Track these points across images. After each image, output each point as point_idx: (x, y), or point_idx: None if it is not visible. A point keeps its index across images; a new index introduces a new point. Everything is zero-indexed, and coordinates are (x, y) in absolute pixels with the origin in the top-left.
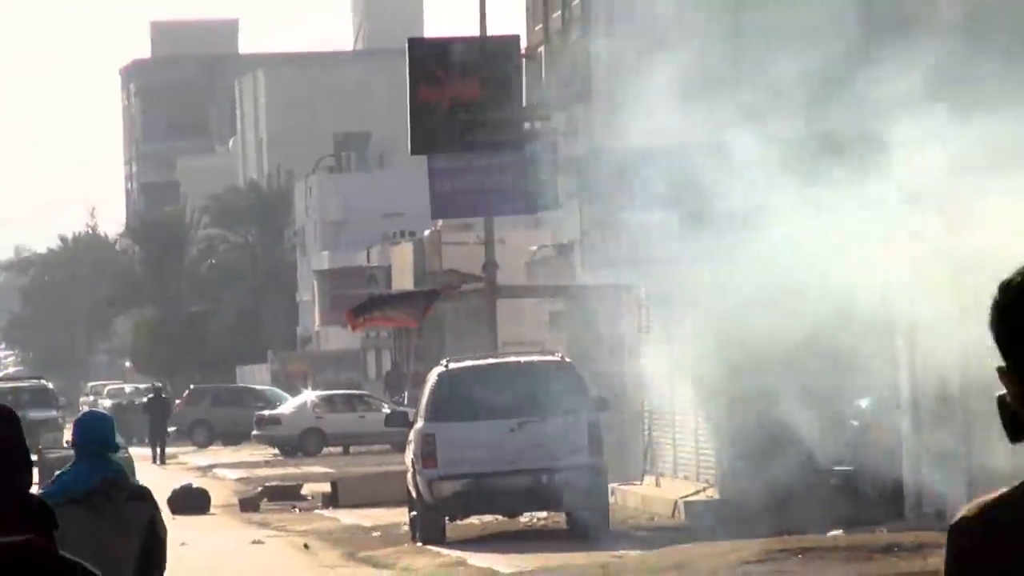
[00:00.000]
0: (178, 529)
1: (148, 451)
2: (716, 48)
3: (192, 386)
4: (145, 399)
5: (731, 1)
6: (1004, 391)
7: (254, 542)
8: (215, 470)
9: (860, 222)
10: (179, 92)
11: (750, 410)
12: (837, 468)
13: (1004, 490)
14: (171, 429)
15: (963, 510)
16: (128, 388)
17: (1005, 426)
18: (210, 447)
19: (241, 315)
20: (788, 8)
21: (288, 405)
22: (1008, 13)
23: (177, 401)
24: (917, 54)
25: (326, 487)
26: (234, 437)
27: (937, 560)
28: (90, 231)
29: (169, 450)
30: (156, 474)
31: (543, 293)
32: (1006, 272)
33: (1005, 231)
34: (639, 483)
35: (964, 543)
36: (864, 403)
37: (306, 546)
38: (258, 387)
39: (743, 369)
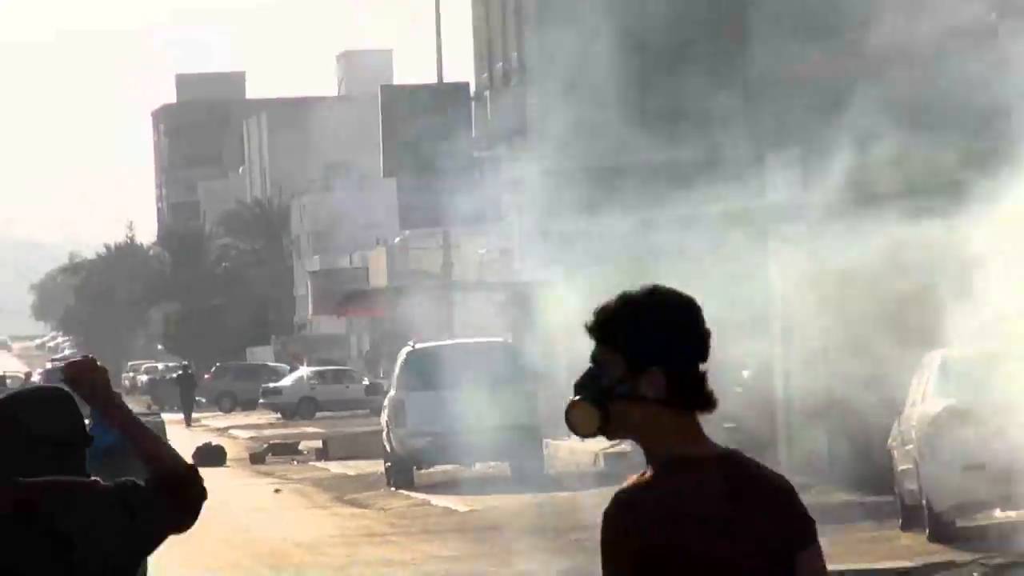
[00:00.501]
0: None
1: (180, 416)
2: (619, 92)
3: (218, 364)
4: (176, 375)
5: (630, 62)
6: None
7: (276, 491)
8: (231, 431)
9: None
10: (199, 130)
11: None
12: (725, 425)
13: (648, 473)
14: (199, 399)
15: (616, 493)
16: (160, 366)
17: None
18: (231, 412)
19: (249, 307)
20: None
21: (288, 378)
22: None
23: (206, 376)
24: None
25: (319, 444)
26: (253, 404)
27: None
28: (129, 241)
29: (196, 415)
30: (184, 435)
31: (491, 287)
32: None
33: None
34: (567, 439)
35: (615, 520)
36: (746, 373)
37: (277, 491)
38: (272, 363)
39: None
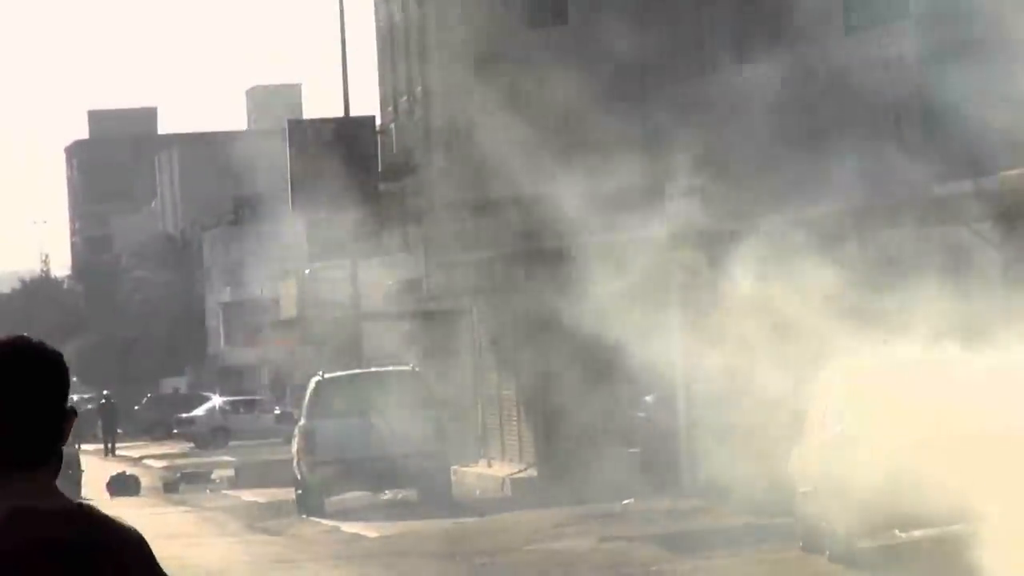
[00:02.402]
0: (115, 509)
1: (99, 445)
2: (525, 122)
3: (149, 394)
4: (100, 403)
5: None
6: None
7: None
8: (145, 460)
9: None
10: (111, 165)
11: (561, 408)
12: (630, 450)
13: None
14: (119, 430)
15: None
16: (75, 397)
17: None
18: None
19: (163, 338)
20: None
21: (201, 408)
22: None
23: (136, 407)
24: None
25: (231, 472)
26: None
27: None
28: (43, 274)
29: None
30: (102, 464)
31: (398, 317)
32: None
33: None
34: (475, 465)
35: None
36: (649, 399)
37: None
38: (205, 393)
39: (556, 378)
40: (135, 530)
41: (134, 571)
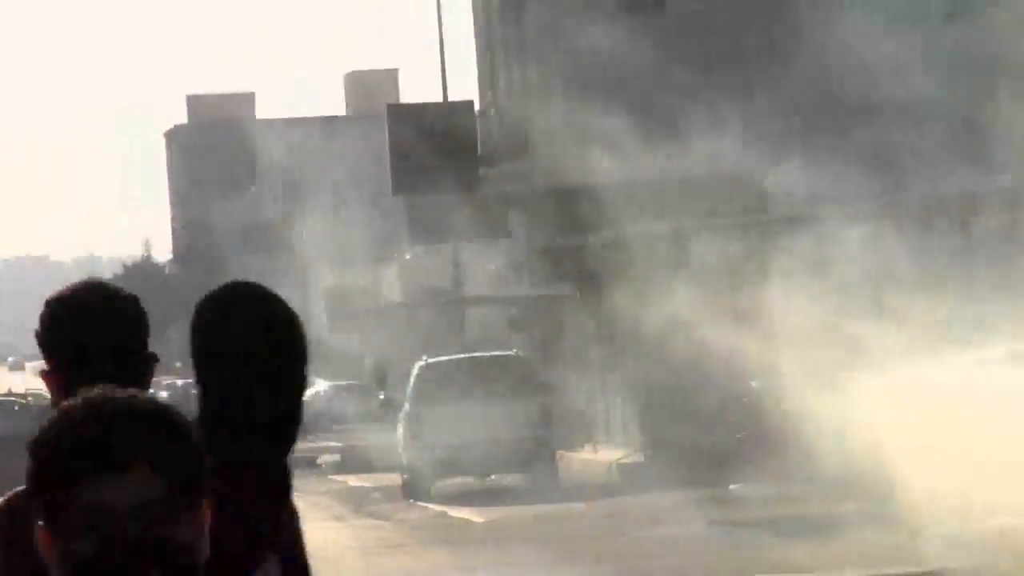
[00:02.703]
0: None
1: None
2: (621, 109)
3: None
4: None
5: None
6: None
7: None
8: None
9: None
10: (211, 149)
11: (668, 393)
12: (737, 435)
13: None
14: None
15: (9, 494)
16: (180, 383)
17: None
18: None
19: None
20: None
21: (307, 393)
22: None
23: None
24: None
25: (337, 457)
26: None
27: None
28: (145, 259)
29: None
30: None
31: (501, 302)
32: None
33: None
34: (581, 450)
35: (4, 522)
36: (756, 383)
37: None
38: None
39: (662, 363)
40: None
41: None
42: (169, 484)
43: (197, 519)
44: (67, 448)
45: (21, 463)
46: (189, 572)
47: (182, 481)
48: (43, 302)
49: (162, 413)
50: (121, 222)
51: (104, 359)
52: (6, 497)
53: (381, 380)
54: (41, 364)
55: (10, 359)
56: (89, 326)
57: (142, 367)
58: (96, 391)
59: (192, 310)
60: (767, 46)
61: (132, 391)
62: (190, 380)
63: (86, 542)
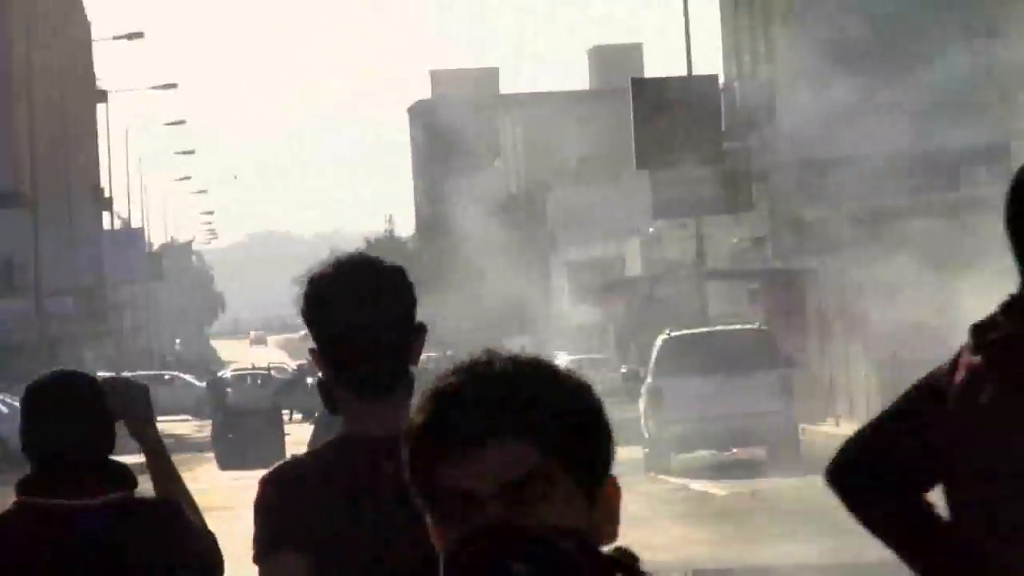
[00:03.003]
0: None
1: None
2: (874, 78)
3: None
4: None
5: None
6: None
7: None
8: None
9: None
10: (453, 125)
11: (910, 365)
12: None
13: (318, 450)
14: None
15: (277, 465)
16: (423, 357)
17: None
18: None
19: (507, 298)
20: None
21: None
22: None
23: None
24: None
25: None
26: None
27: None
28: (388, 234)
29: None
30: None
31: (743, 276)
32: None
33: None
34: (822, 423)
35: (269, 491)
36: None
37: None
38: (551, 351)
39: (904, 336)
40: None
41: None
42: (543, 460)
43: (582, 500)
44: (418, 425)
45: (265, 435)
46: (580, 565)
47: (562, 456)
48: (301, 280)
49: (536, 377)
50: (364, 197)
51: (374, 333)
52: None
53: (624, 353)
54: (284, 338)
55: (252, 333)
56: (357, 301)
57: (411, 339)
58: (472, 357)
59: (432, 284)
60: None
61: (513, 354)
62: (431, 354)
63: (453, 531)
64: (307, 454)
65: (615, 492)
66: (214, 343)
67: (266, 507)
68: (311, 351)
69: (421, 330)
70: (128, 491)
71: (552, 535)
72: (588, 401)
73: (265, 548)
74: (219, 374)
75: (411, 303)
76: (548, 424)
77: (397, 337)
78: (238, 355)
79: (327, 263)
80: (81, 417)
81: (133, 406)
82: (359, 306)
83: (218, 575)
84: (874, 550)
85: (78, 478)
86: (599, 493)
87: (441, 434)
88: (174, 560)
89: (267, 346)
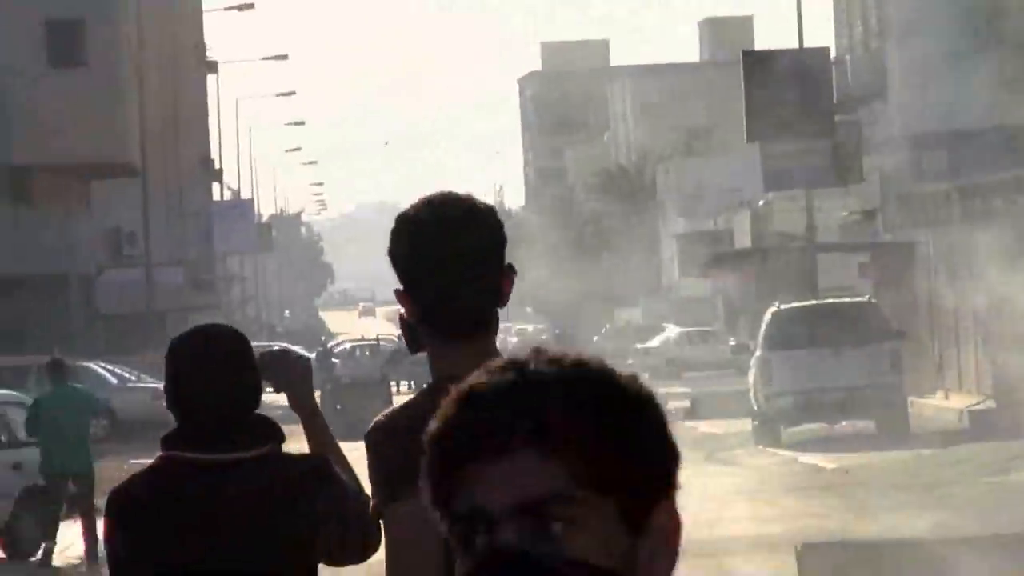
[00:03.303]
0: None
1: None
2: (983, 55)
3: (607, 325)
4: (555, 333)
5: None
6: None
7: None
8: None
9: None
10: (564, 96)
11: (1021, 338)
12: None
13: (413, 397)
14: None
15: (380, 415)
16: (530, 328)
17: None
18: None
19: (616, 270)
20: None
21: (655, 339)
22: None
23: (594, 338)
24: None
25: (686, 403)
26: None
27: None
28: (497, 205)
29: None
30: None
31: (853, 248)
32: None
33: None
34: (932, 396)
35: (376, 439)
36: None
37: None
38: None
39: (1017, 308)
40: None
41: None
42: (571, 481)
43: (624, 532)
44: (434, 431)
45: (373, 405)
46: None
47: (600, 478)
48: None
49: (580, 384)
50: (473, 168)
51: (464, 267)
52: None
53: (733, 326)
54: (392, 309)
55: (361, 305)
56: (446, 234)
57: (499, 278)
58: (513, 355)
59: (541, 256)
60: None
61: (563, 354)
62: (539, 325)
63: (465, 559)
64: (404, 404)
65: (673, 521)
66: (323, 314)
67: (379, 456)
68: (396, 292)
69: (511, 271)
70: (276, 445)
71: (568, 571)
72: (646, 414)
73: (385, 496)
74: (328, 345)
75: (502, 241)
76: (585, 439)
77: (487, 273)
78: (347, 326)
79: (418, 201)
80: (227, 371)
81: (290, 376)
82: (448, 238)
83: (370, 537)
84: (982, 524)
85: (226, 432)
86: (650, 523)
87: (458, 442)
88: (324, 514)
89: (375, 317)
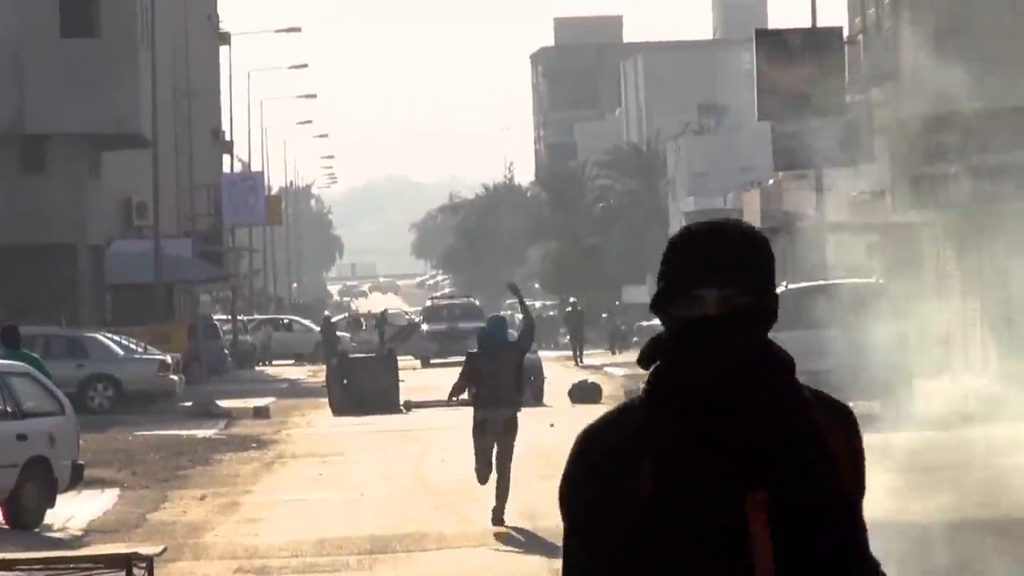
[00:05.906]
0: (577, 415)
1: (566, 353)
2: (995, 38)
3: (617, 302)
4: (567, 311)
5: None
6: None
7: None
8: (606, 368)
9: None
10: (576, 72)
11: None
12: None
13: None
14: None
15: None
16: (537, 304)
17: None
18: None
19: (625, 247)
20: None
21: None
22: None
23: (604, 315)
24: None
25: None
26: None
27: None
28: (507, 182)
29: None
30: (565, 372)
31: (862, 229)
32: None
33: None
34: (938, 378)
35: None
36: None
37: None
38: None
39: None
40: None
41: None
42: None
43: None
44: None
45: (380, 380)
46: None
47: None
48: (420, 224)
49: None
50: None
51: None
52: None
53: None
54: (401, 283)
55: (372, 282)
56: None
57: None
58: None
59: (550, 231)
60: None
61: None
62: (547, 302)
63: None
64: None
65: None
66: (331, 288)
67: None
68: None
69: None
70: None
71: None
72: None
73: None
74: (332, 318)
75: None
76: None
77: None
78: (357, 300)
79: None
80: None
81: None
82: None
83: None
84: (989, 507)
85: None
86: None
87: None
88: None
89: (384, 292)
